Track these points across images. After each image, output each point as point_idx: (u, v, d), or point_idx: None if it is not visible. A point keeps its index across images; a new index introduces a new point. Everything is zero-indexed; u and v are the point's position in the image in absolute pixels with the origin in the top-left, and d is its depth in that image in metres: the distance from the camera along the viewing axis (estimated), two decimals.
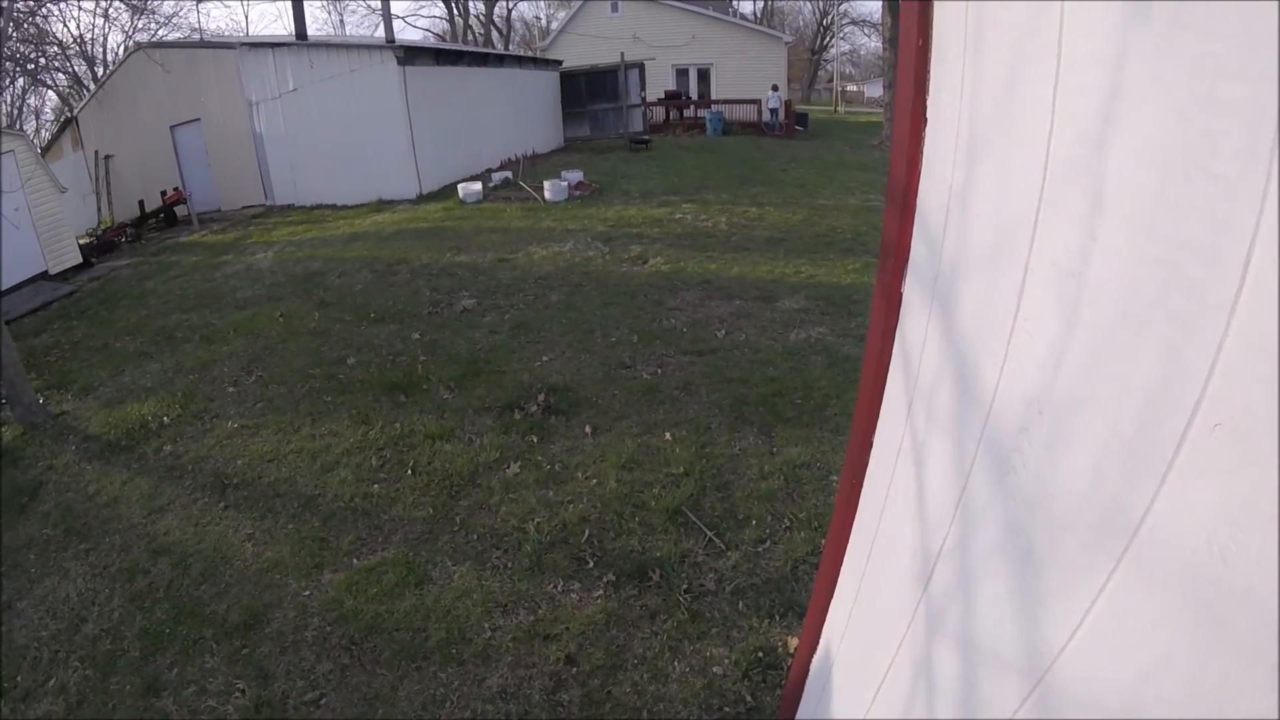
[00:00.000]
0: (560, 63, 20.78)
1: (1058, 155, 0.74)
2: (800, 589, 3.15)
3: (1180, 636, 0.54)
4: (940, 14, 1.10)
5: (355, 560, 3.39)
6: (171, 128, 14.08)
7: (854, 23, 42.52)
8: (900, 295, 1.30)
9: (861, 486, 1.56)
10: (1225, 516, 0.49)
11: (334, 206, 12.80)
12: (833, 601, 1.77)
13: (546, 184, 12.10)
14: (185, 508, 3.95)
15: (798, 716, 2.12)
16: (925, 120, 1.17)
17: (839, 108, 35.83)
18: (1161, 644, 0.56)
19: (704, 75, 25.57)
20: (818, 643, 1.93)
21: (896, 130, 1.25)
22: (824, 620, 1.86)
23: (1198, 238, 0.54)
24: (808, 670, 2.01)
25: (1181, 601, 0.54)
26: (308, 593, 3.20)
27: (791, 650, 2.82)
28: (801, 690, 2.10)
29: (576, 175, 12.96)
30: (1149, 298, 0.58)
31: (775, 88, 22.70)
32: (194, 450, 4.54)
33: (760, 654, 2.79)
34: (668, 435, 4.43)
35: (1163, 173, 0.57)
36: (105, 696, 2.74)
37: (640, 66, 19.97)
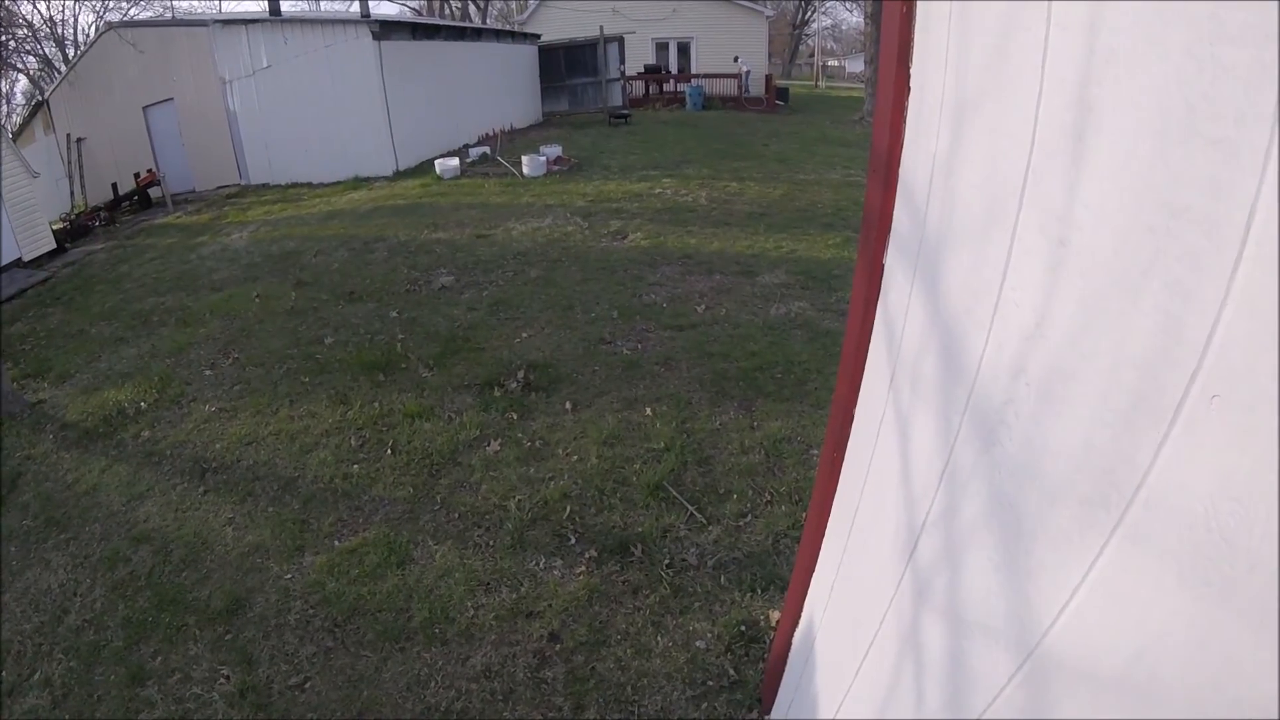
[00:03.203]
0: (539, 36, 20.40)
1: (1047, 120, 0.73)
2: (781, 562, 3.17)
3: (1179, 610, 0.53)
4: None
5: (336, 542, 3.36)
6: (144, 108, 13.69)
7: None
8: (883, 266, 1.28)
9: (843, 459, 1.55)
10: (1225, 491, 0.48)
11: (310, 185, 12.54)
12: (814, 575, 1.77)
13: (525, 159, 11.93)
14: (165, 494, 3.88)
15: (781, 689, 2.13)
16: (909, 89, 1.15)
17: (820, 83, 35.63)
18: (1159, 617, 0.56)
19: (684, 49, 25.25)
20: (799, 616, 1.94)
21: (879, 99, 1.23)
22: (805, 593, 1.87)
23: (1196, 205, 0.52)
24: (790, 643, 2.03)
25: (1179, 575, 0.53)
26: (289, 576, 3.17)
27: (774, 624, 2.85)
28: (784, 663, 2.11)
29: (555, 150, 12.79)
30: (1143, 266, 0.56)
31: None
32: (172, 435, 4.45)
33: (743, 628, 2.80)
34: (648, 411, 4.42)
35: (1159, 138, 0.55)
36: (90, 688, 2.70)
37: (620, 40, 19.67)
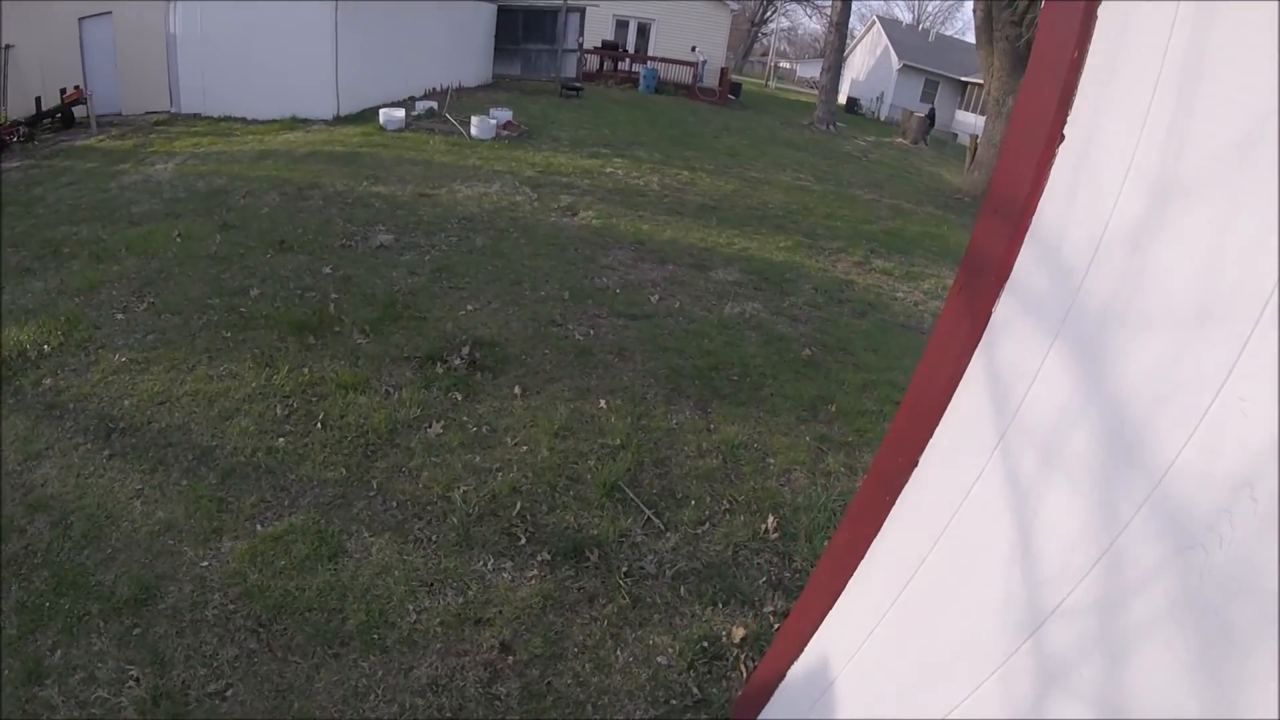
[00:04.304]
0: None
1: None
2: (741, 575, 3.07)
3: None
4: (1117, 23, 0.94)
5: (259, 526, 2.99)
6: (80, 20, 12.29)
7: (797, 1, 42.59)
8: (990, 316, 1.15)
9: (893, 504, 1.42)
10: None
11: (244, 120, 11.58)
12: (833, 613, 1.66)
13: (474, 119, 11.43)
14: (65, 454, 3.36)
15: (764, 717, 2.02)
16: (1062, 138, 1.03)
17: (770, 82, 35.98)
18: None
19: (644, 30, 24.92)
20: (802, 650, 1.82)
21: (1015, 142, 1.11)
22: (815, 629, 1.75)
23: None
24: (784, 675, 1.91)
25: None
26: (206, 563, 2.79)
27: (736, 641, 2.74)
28: (771, 693, 2.00)
29: (505, 115, 12.31)
30: None
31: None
32: (76, 386, 3.88)
33: (705, 643, 2.68)
34: (602, 403, 4.24)
35: None
36: None
37: (582, 11, 19.19)
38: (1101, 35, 1.01)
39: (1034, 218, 1.09)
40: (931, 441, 1.30)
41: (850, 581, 1.58)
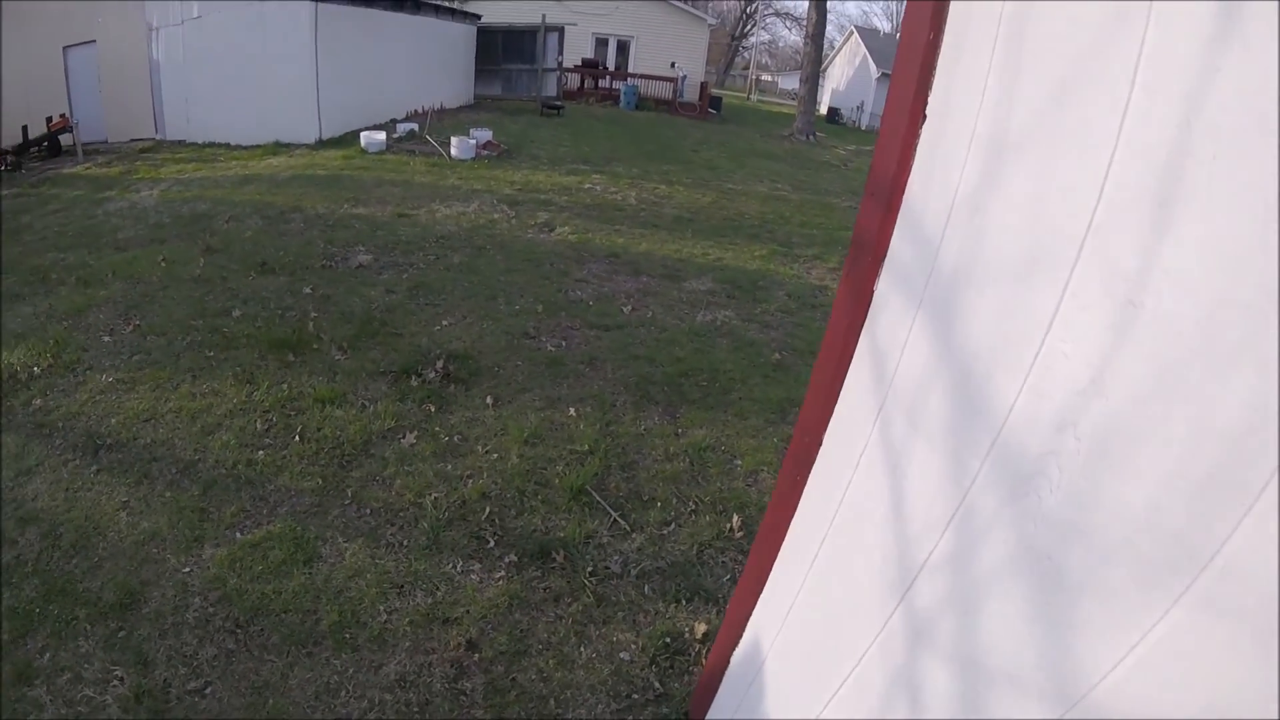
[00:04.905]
0: (479, 17, 19.85)
1: (1120, 180, 0.71)
2: (705, 574, 3.16)
3: (1257, 672, 0.52)
4: (962, 10, 1.06)
5: (239, 534, 3.09)
6: (65, 49, 12.41)
7: (777, 14, 43.24)
8: (872, 293, 1.26)
9: (805, 482, 1.53)
10: None
11: (227, 145, 11.69)
12: (763, 595, 1.75)
13: (454, 140, 11.56)
14: (55, 470, 3.47)
15: (715, 706, 2.11)
16: (924, 117, 1.13)
17: (752, 95, 36.37)
18: (1233, 678, 0.55)
19: (623, 47, 25.22)
20: (740, 636, 1.91)
21: (887, 125, 1.21)
22: (749, 614, 1.84)
23: None
24: (728, 662, 2.00)
25: (1256, 640, 0.52)
26: (188, 569, 2.88)
27: (699, 636, 2.83)
28: (719, 681, 2.09)
29: (485, 134, 12.46)
30: (1234, 341, 0.55)
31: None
32: (65, 405, 3.99)
33: (667, 639, 2.77)
34: (572, 411, 4.34)
35: (1265, 213, 0.54)
36: None
37: (561, 30, 19.40)
38: (952, 18, 1.09)
39: (904, 195, 1.18)
40: (832, 419, 1.41)
41: (775, 562, 1.68)
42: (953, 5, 1.11)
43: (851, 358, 1.33)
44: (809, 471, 1.50)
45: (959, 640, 0.98)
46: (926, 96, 1.13)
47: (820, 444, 1.46)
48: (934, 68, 1.11)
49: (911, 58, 1.13)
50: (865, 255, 1.25)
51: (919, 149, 1.14)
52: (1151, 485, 0.67)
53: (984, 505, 0.94)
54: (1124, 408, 0.73)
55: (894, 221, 1.19)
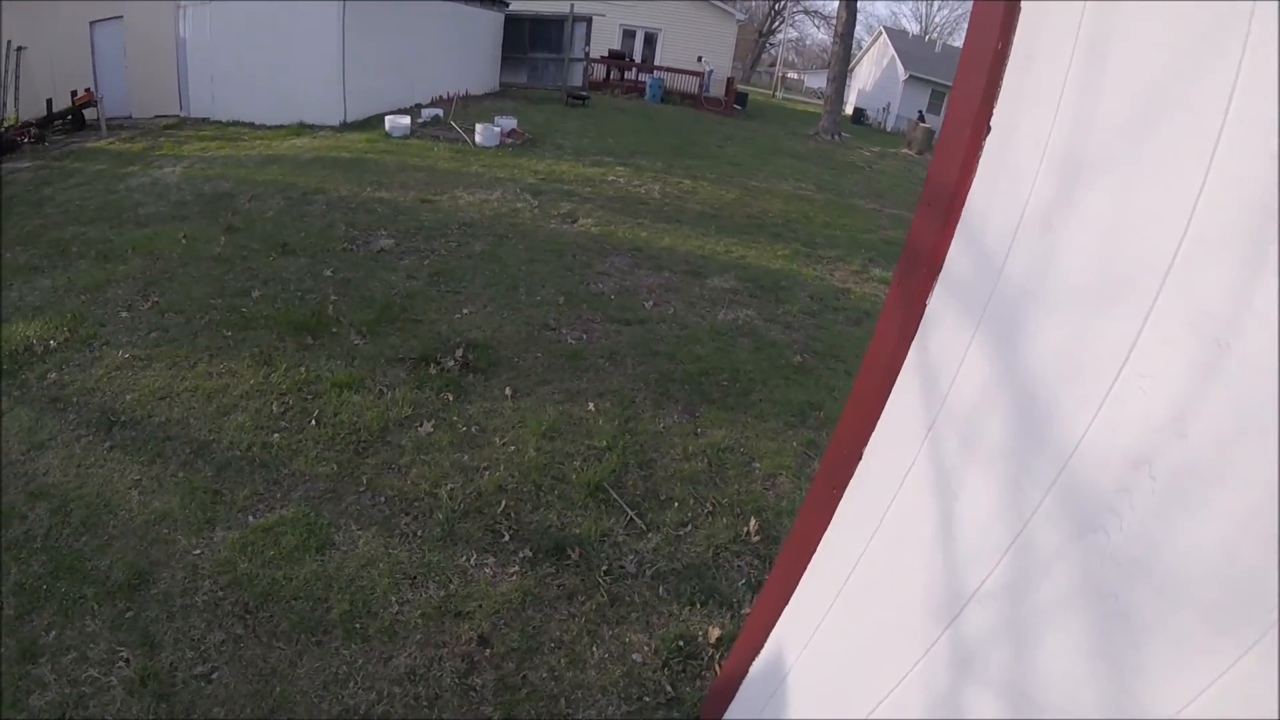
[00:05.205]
0: (507, 4, 19.80)
1: (1209, 214, 0.67)
2: (721, 577, 3.11)
3: None
4: (1036, 18, 1.00)
5: (251, 518, 3.08)
6: (91, 24, 12.50)
7: (805, 12, 42.90)
8: (924, 305, 1.20)
9: (840, 496, 1.48)
10: None
11: (251, 125, 11.74)
12: (788, 608, 1.70)
13: (478, 127, 11.54)
14: (68, 445, 3.46)
15: (729, 714, 2.06)
16: (988, 128, 1.08)
17: (777, 93, 36.12)
18: None
19: (651, 40, 25.11)
20: (761, 646, 1.87)
21: (948, 134, 1.15)
22: (773, 625, 1.79)
23: None
24: (747, 671, 1.96)
25: None
26: (198, 551, 2.87)
27: (712, 640, 2.78)
28: (735, 689, 2.04)
29: (510, 122, 12.43)
30: None
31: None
32: (80, 380, 4.00)
33: (680, 643, 2.73)
34: (591, 406, 4.30)
35: None
36: None
37: (588, 21, 19.32)
38: (1023, 26, 1.05)
39: (964, 207, 1.13)
40: (874, 435, 1.35)
41: (803, 576, 1.63)
42: (1023, 16, 1.06)
43: (899, 371, 1.27)
44: (845, 485, 1.45)
45: (1011, 672, 0.95)
46: (992, 107, 1.08)
47: (860, 457, 1.40)
48: (1001, 77, 1.06)
49: (977, 65, 1.08)
50: (919, 266, 1.19)
51: (982, 160, 1.10)
52: (1227, 529, 0.65)
53: (1046, 537, 0.90)
54: (1204, 448, 0.70)
55: (952, 233, 1.14)
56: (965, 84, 1.16)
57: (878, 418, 1.34)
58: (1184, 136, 0.75)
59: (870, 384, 1.34)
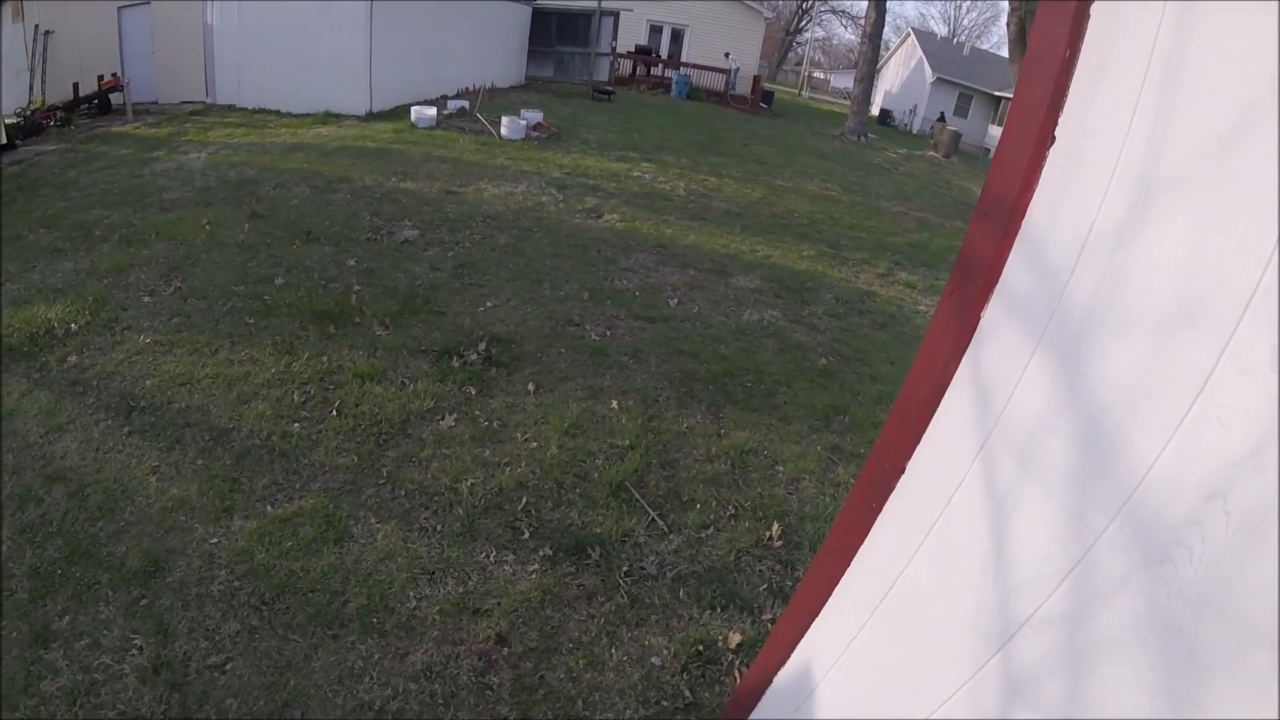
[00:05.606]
0: None
1: None
2: (742, 581, 3.06)
3: None
4: (1106, 32, 0.94)
5: (269, 508, 3.07)
6: (120, 9, 12.65)
7: (833, 11, 42.56)
8: (978, 319, 1.15)
9: (880, 510, 1.42)
10: None
11: (277, 113, 11.82)
12: (820, 618, 1.65)
13: (504, 120, 11.54)
14: (86, 429, 3.47)
15: None
16: (1053, 139, 1.03)
17: (803, 92, 35.87)
18: None
19: (678, 36, 25.01)
20: (788, 657, 1.82)
21: (1009, 144, 1.10)
22: (801, 636, 1.74)
23: None
24: (771, 681, 1.91)
25: None
26: (215, 540, 2.86)
27: (732, 646, 2.73)
28: (758, 698, 2.00)
29: (536, 116, 12.41)
30: None
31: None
32: (101, 364, 4.02)
33: (700, 647, 2.68)
34: (614, 403, 4.26)
35: None
36: None
37: (615, 16, 19.30)
38: (1093, 33, 1.00)
39: (1024, 220, 1.08)
40: (919, 449, 1.30)
41: (836, 589, 1.58)
42: (1093, 26, 1.01)
43: (949, 385, 1.21)
44: (886, 499, 1.40)
45: (1067, 702, 0.92)
46: (1057, 117, 1.03)
47: (902, 471, 1.35)
48: (1067, 87, 1.02)
49: (1043, 74, 1.03)
50: (974, 278, 1.14)
51: (1044, 172, 1.05)
52: None
53: (1110, 567, 0.87)
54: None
55: (1010, 246, 1.10)
56: (1028, 91, 1.11)
57: (923, 432, 1.28)
58: (1272, 159, 0.72)
59: (916, 397, 1.28)
